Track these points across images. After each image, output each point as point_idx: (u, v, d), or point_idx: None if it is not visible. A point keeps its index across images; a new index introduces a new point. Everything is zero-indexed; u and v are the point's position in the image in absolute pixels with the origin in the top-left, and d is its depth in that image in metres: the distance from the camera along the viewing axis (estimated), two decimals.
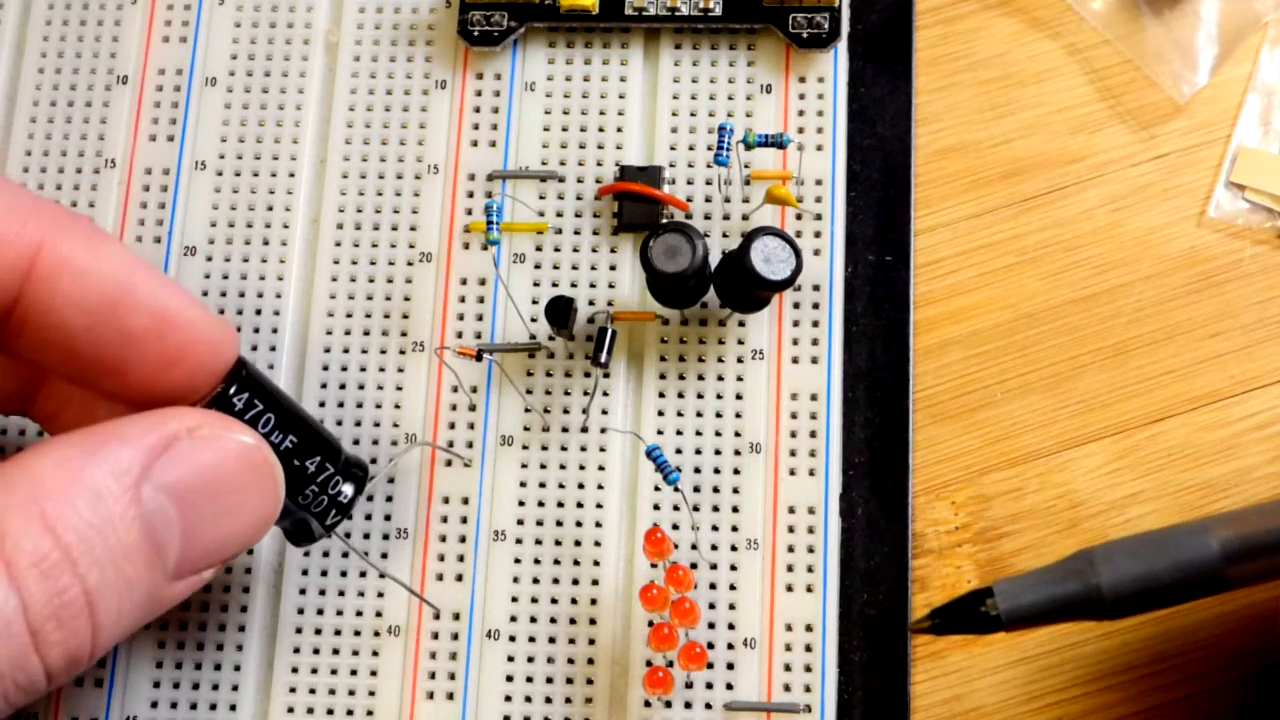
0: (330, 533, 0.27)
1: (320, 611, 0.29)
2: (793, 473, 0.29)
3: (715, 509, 0.29)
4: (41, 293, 0.23)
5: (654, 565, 0.28)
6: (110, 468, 0.22)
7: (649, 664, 0.28)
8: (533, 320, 0.30)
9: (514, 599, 0.29)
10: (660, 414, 0.29)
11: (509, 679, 0.28)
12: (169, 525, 0.23)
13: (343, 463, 0.27)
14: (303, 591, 0.29)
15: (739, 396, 0.29)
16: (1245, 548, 0.24)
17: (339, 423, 0.30)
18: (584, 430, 0.29)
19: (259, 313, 0.30)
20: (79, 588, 0.22)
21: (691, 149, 0.31)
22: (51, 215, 0.24)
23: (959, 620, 0.24)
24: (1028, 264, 0.31)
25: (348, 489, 0.27)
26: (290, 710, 0.28)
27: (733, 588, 0.28)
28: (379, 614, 0.29)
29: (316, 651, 0.29)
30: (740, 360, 0.29)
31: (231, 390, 0.25)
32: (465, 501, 0.29)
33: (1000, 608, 0.24)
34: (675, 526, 0.29)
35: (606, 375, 0.29)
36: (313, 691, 0.29)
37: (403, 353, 0.30)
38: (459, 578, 0.29)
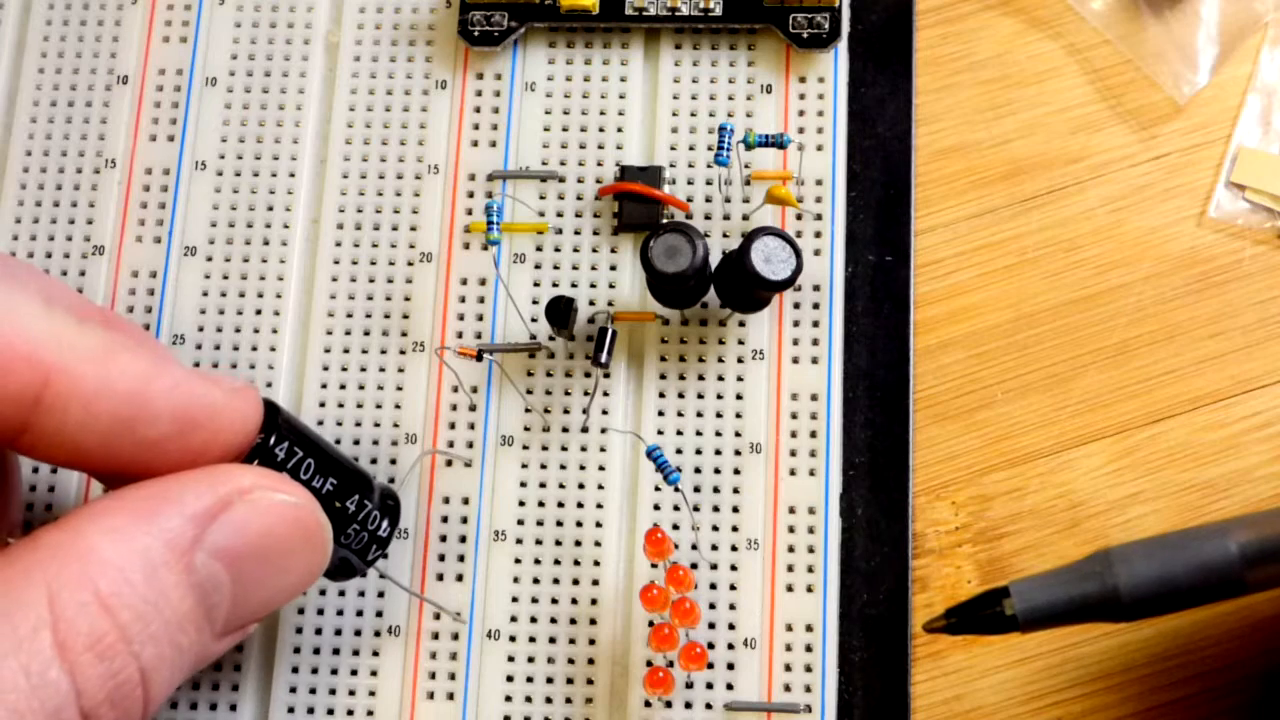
0: (371, 567, 0.27)
1: (320, 612, 0.29)
2: (793, 473, 0.29)
3: (715, 509, 0.29)
4: (51, 423, 0.22)
5: (654, 565, 0.28)
6: (165, 537, 0.22)
7: (649, 664, 0.28)
8: (533, 320, 0.30)
9: (514, 599, 0.29)
10: (660, 414, 0.29)
11: (509, 679, 0.28)
12: (220, 590, 0.23)
13: (378, 496, 0.27)
14: (303, 592, 0.29)
15: (739, 396, 0.29)
16: (1265, 551, 0.23)
17: (339, 423, 0.30)
18: (584, 430, 0.29)
19: (259, 313, 0.30)
20: (134, 666, 0.21)
21: (692, 149, 0.31)
22: (59, 334, 0.22)
23: (975, 620, 0.24)
24: (1028, 264, 0.31)
25: (385, 524, 0.27)
26: (290, 710, 0.28)
27: (733, 588, 0.28)
28: (379, 614, 0.29)
29: (317, 651, 0.29)
30: (740, 360, 0.29)
31: (271, 440, 0.25)
32: (465, 502, 0.29)
33: (1017, 608, 0.24)
34: (675, 526, 0.29)
35: (607, 375, 0.29)
36: (313, 691, 0.29)
37: (403, 353, 0.30)
38: (459, 578, 0.29)
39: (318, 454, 0.25)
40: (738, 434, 0.29)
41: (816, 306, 0.30)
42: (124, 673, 0.21)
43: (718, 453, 0.29)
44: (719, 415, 0.29)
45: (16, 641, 0.20)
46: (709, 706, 0.28)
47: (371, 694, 0.28)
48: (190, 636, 0.22)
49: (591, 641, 0.28)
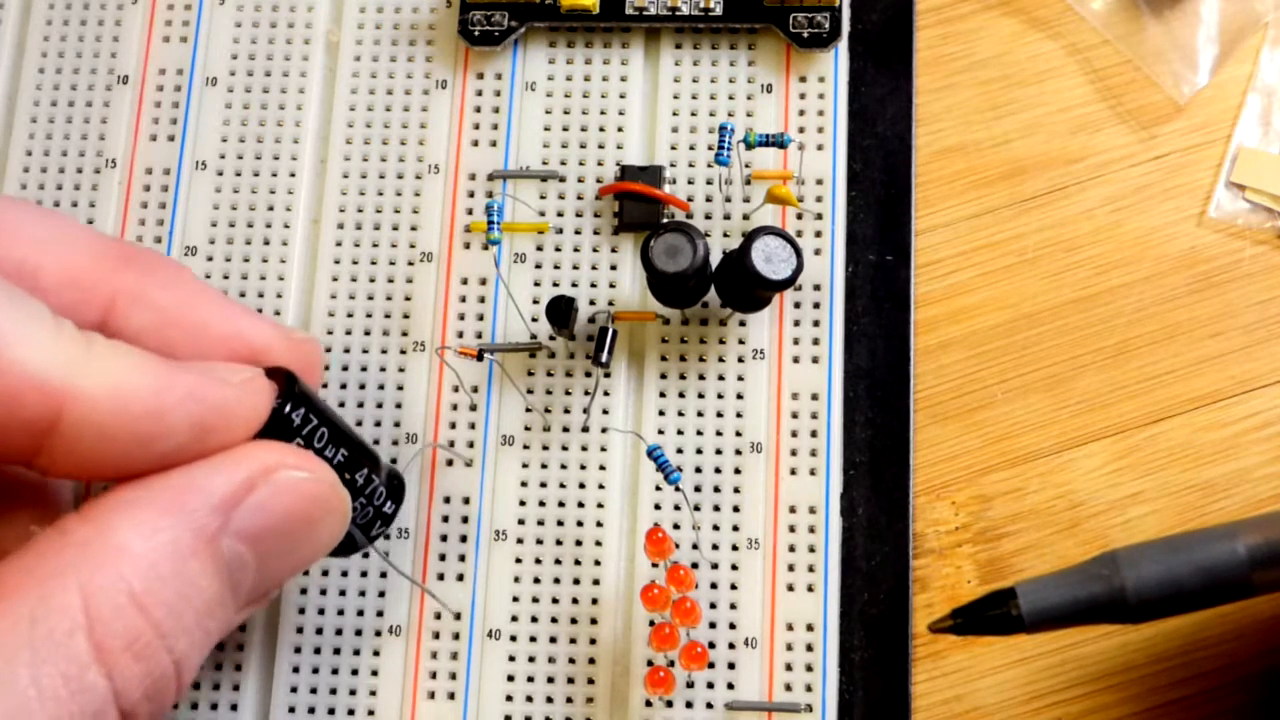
0: (372, 544, 0.27)
1: (321, 611, 0.29)
2: (793, 472, 0.29)
3: (716, 508, 0.29)
4: (65, 446, 0.21)
5: (655, 565, 0.28)
6: (193, 526, 0.22)
7: (650, 664, 0.28)
8: (533, 320, 0.30)
9: (515, 599, 0.29)
10: (661, 414, 0.29)
11: (510, 679, 0.28)
12: (245, 568, 0.23)
13: (385, 474, 0.27)
14: (303, 591, 0.29)
15: (740, 396, 0.29)
16: (1272, 554, 0.23)
17: None
18: (585, 430, 0.29)
19: (259, 313, 0.30)
20: (169, 659, 0.21)
21: (692, 149, 0.31)
22: (70, 359, 0.21)
23: (981, 621, 0.24)
24: (1028, 264, 0.31)
25: (390, 502, 0.27)
26: (291, 710, 0.28)
27: (734, 587, 0.28)
28: (380, 614, 0.29)
29: (317, 651, 0.29)
30: (741, 360, 0.29)
31: (288, 408, 0.24)
32: (466, 501, 0.29)
33: (1024, 609, 0.24)
34: (676, 526, 0.29)
35: (607, 375, 0.29)
36: (314, 691, 0.29)
37: (404, 353, 0.30)
38: (460, 578, 0.29)
39: (330, 425, 0.25)
40: (738, 433, 0.29)
41: (817, 306, 0.30)
42: (160, 667, 0.21)
43: (718, 452, 0.29)
44: (719, 415, 0.29)
45: (54, 646, 0.20)
46: (710, 706, 0.28)
47: (372, 693, 0.28)
48: (218, 619, 0.22)
49: (592, 641, 0.28)
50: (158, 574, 0.21)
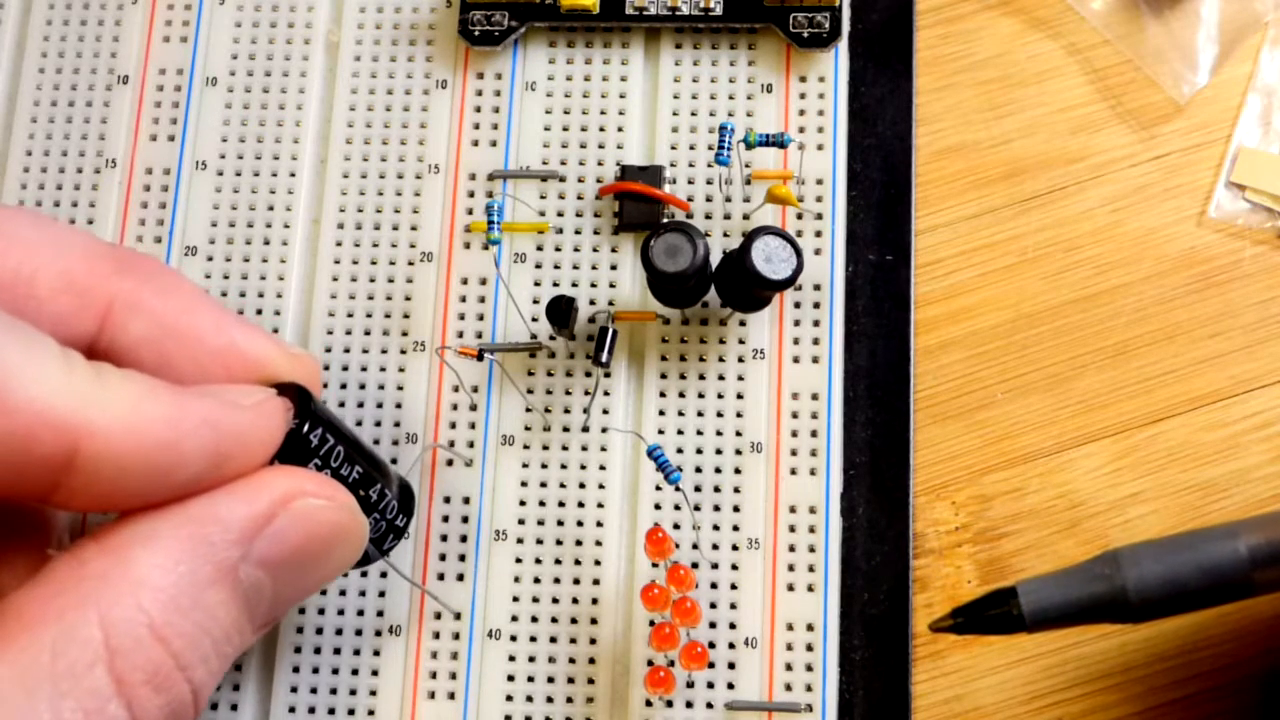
0: (384, 556, 0.27)
1: (321, 611, 0.29)
2: (794, 472, 0.29)
3: (716, 508, 0.29)
4: (82, 482, 0.21)
5: (655, 565, 0.28)
6: (211, 558, 0.22)
7: (650, 663, 0.28)
8: (533, 320, 0.30)
9: (515, 599, 0.29)
10: (661, 413, 0.29)
11: (510, 679, 0.28)
12: (261, 595, 0.23)
13: (397, 487, 0.27)
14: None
15: (740, 396, 0.29)
16: (1274, 553, 0.23)
17: None
18: (585, 430, 0.29)
19: (260, 313, 0.30)
20: (187, 688, 0.21)
21: (692, 148, 0.31)
22: (83, 394, 0.21)
23: (982, 620, 0.24)
24: (1028, 264, 0.31)
25: (402, 515, 0.27)
26: (291, 710, 0.28)
27: (734, 587, 0.28)
28: (380, 614, 0.29)
29: (317, 651, 0.29)
30: (741, 360, 0.30)
31: (305, 428, 0.24)
32: (466, 501, 0.29)
33: (1025, 608, 0.24)
34: (676, 526, 0.29)
35: (607, 375, 0.29)
36: (314, 691, 0.29)
37: (404, 352, 0.30)
38: (460, 577, 0.29)
39: (346, 442, 0.25)
40: (738, 433, 0.29)
41: (817, 306, 0.30)
42: (178, 697, 0.21)
43: (718, 452, 0.29)
44: (720, 415, 0.29)
45: (74, 680, 0.20)
46: (710, 706, 0.28)
47: (372, 693, 0.28)
48: (235, 644, 0.22)
49: (592, 641, 0.28)
50: (177, 606, 0.21)
